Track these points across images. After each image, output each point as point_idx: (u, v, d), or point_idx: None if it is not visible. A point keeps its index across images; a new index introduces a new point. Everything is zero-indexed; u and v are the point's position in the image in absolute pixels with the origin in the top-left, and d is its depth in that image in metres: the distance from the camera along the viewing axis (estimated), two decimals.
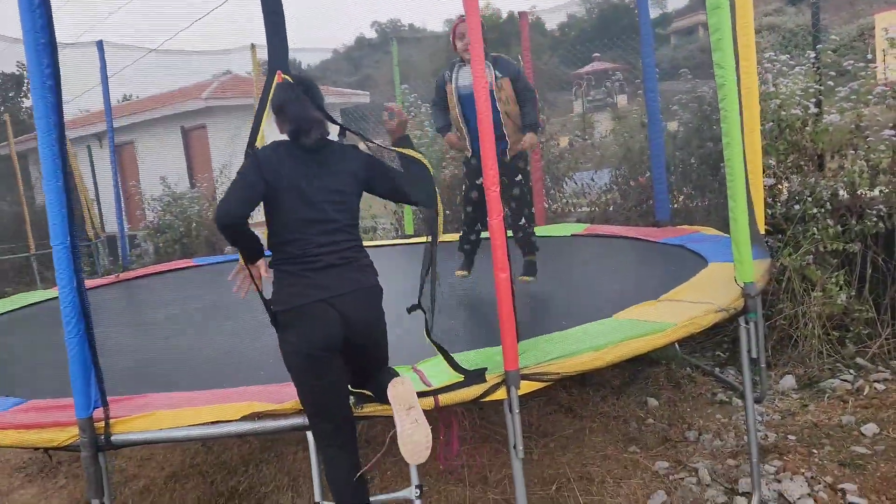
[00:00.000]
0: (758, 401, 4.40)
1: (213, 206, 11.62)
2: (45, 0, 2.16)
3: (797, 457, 3.64)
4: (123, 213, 7.68)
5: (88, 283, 6.50)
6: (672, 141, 6.62)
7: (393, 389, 2.32)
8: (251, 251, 2.46)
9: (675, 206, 6.67)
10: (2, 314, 5.20)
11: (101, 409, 2.35)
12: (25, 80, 23.42)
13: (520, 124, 4.22)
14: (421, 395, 2.38)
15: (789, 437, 3.89)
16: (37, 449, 2.63)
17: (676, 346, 5.39)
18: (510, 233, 4.43)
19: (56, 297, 5.75)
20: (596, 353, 2.58)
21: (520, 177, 4.27)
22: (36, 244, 11.02)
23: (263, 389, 2.59)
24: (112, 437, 2.34)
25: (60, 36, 2.29)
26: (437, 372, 2.52)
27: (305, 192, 2.40)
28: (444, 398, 2.40)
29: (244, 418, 2.34)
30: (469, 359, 2.60)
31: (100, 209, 14.18)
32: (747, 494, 3.31)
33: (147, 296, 5.72)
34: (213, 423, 2.36)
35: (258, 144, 2.51)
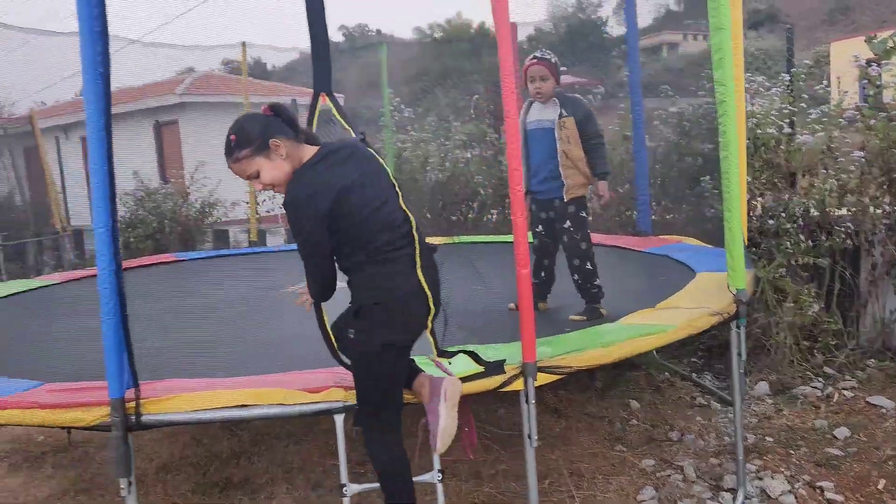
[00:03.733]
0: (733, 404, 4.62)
1: (187, 203, 11.52)
2: None
3: (776, 457, 3.84)
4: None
5: (71, 274, 6.50)
6: (652, 156, 6.86)
7: (451, 387, 2.46)
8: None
9: (654, 217, 6.91)
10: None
11: (132, 389, 2.40)
12: None
13: (584, 170, 4.07)
14: None
15: (767, 438, 4.10)
16: (63, 428, 2.66)
17: (654, 352, 5.61)
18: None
19: (39, 287, 5.73)
20: (605, 349, 2.73)
21: (568, 223, 4.09)
22: (2, 236, 10.79)
23: (284, 377, 2.67)
24: (142, 418, 2.39)
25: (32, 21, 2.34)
26: (454, 364, 2.64)
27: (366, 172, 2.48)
28: (465, 387, 2.52)
29: (274, 403, 2.43)
30: (485, 354, 2.72)
31: (65, 202, 13.93)
32: (732, 491, 3.49)
33: (136, 288, 5.70)
34: (242, 406, 2.43)
35: None
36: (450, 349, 2.67)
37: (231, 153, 2.38)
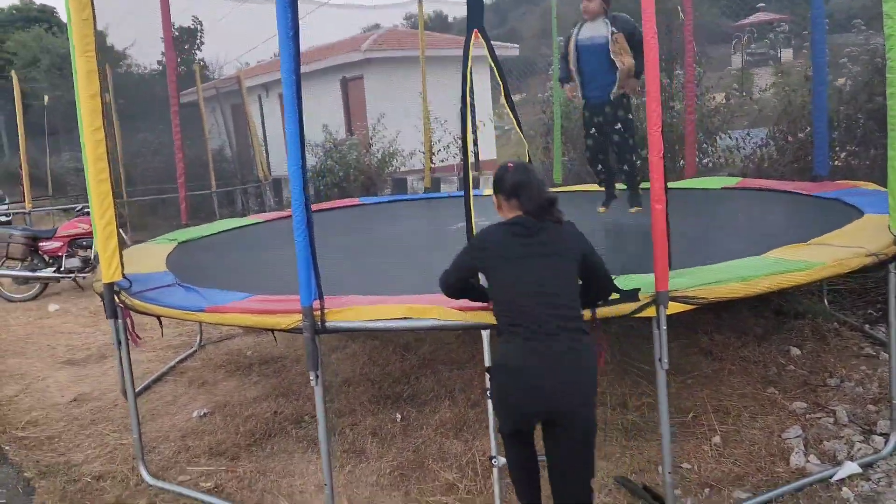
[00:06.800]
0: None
1: (370, 153, 12.42)
2: None
3: None
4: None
5: (278, 214, 7.44)
6: (838, 96, 6.43)
7: None
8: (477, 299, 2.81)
9: (837, 162, 6.52)
10: (208, 236, 6.11)
11: (318, 300, 2.91)
12: (199, 33, 25.41)
13: (631, 73, 4.76)
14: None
15: None
16: (266, 329, 3.26)
17: (826, 302, 5.42)
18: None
19: (247, 225, 6.65)
20: (743, 283, 2.82)
21: (619, 125, 4.80)
22: (217, 184, 12.25)
23: (441, 298, 3.02)
24: (327, 324, 2.90)
25: None
26: None
27: (524, 267, 2.51)
28: (601, 311, 2.76)
29: (430, 318, 2.84)
30: (624, 283, 2.92)
31: (267, 154, 15.45)
32: (885, 436, 3.44)
33: (327, 226, 6.49)
34: (405, 318, 2.86)
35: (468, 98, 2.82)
36: None
37: None
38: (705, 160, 7.66)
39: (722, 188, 6.13)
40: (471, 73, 2.76)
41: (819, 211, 4.65)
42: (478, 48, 2.80)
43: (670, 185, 6.56)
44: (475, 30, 2.74)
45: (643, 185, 4.78)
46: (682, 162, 7.34)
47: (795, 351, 4.69)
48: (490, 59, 2.74)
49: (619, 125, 4.84)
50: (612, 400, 4.18)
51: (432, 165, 10.13)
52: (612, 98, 4.79)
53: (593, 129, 5.03)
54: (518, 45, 17.96)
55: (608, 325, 4.69)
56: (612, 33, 4.75)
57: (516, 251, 2.53)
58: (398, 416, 4.28)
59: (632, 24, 4.79)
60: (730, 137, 7.62)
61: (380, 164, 12.21)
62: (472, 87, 2.82)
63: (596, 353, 2.57)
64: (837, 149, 6.50)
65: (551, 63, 8.52)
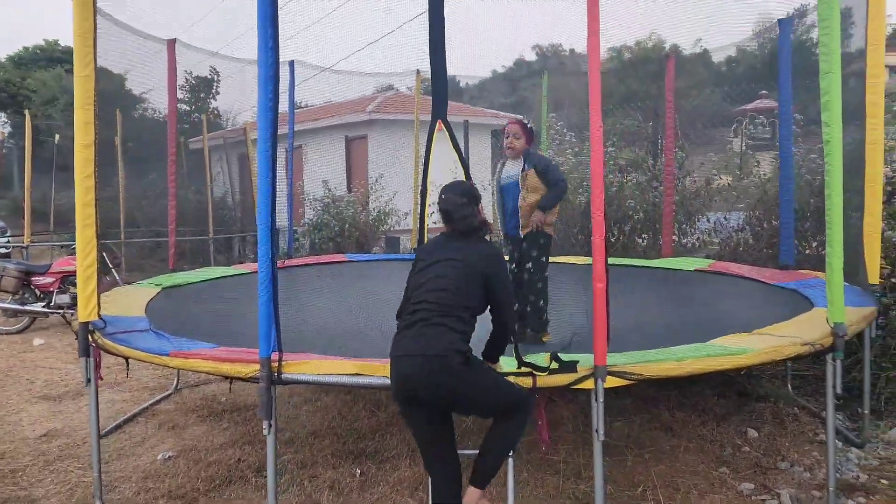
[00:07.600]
0: (859, 446, 4.52)
1: (366, 211, 12.71)
2: (275, 45, 2.92)
3: (884, 498, 3.78)
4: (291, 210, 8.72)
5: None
6: (809, 188, 6.69)
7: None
8: None
9: (808, 251, 6.72)
10: (192, 283, 6.28)
11: (276, 353, 3.06)
12: (215, 83, 26.13)
13: (534, 207, 4.68)
14: (522, 374, 2.90)
15: (882, 480, 4.02)
16: (226, 378, 3.40)
17: (790, 386, 5.54)
18: None
19: (231, 275, 6.83)
20: (677, 363, 2.98)
21: (529, 264, 4.71)
22: (214, 230, 12.48)
23: None
24: (283, 375, 3.05)
25: (247, 53, 3.03)
26: (540, 363, 3.03)
27: (432, 266, 2.92)
28: (541, 381, 2.91)
29: (379, 375, 2.98)
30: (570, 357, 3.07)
31: None
32: None
33: (307, 280, 6.65)
34: (357, 374, 3.01)
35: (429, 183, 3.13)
36: (534, 355, 3.08)
37: None
38: (684, 240, 7.90)
39: (695, 269, 6.33)
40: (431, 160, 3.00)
41: (775, 301, 4.83)
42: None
43: (648, 263, 6.77)
44: (439, 121, 2.99)
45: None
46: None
47: (753, 433, 4.79)
48: (455, 151, 2.99)
49: (530, 264, 4.75)
50: (566, 469, 4.27)
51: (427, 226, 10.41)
52: (523, 235, 4.76)
53: (514, 265, 4.93)
54: (522, 117, 18.48)
55: (576, 396, 4.81)
56: (524, 169, 4.72)
57: (435, 254, 2.95)
58: (358, 471, 4.36)
59: (544, 163, 4.80)
60: (707, 220, 7.87)
61: (375, 221, 12.47)
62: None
63: (467, 355, 2.75)
64: (810, 238, 6.71)
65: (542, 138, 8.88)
